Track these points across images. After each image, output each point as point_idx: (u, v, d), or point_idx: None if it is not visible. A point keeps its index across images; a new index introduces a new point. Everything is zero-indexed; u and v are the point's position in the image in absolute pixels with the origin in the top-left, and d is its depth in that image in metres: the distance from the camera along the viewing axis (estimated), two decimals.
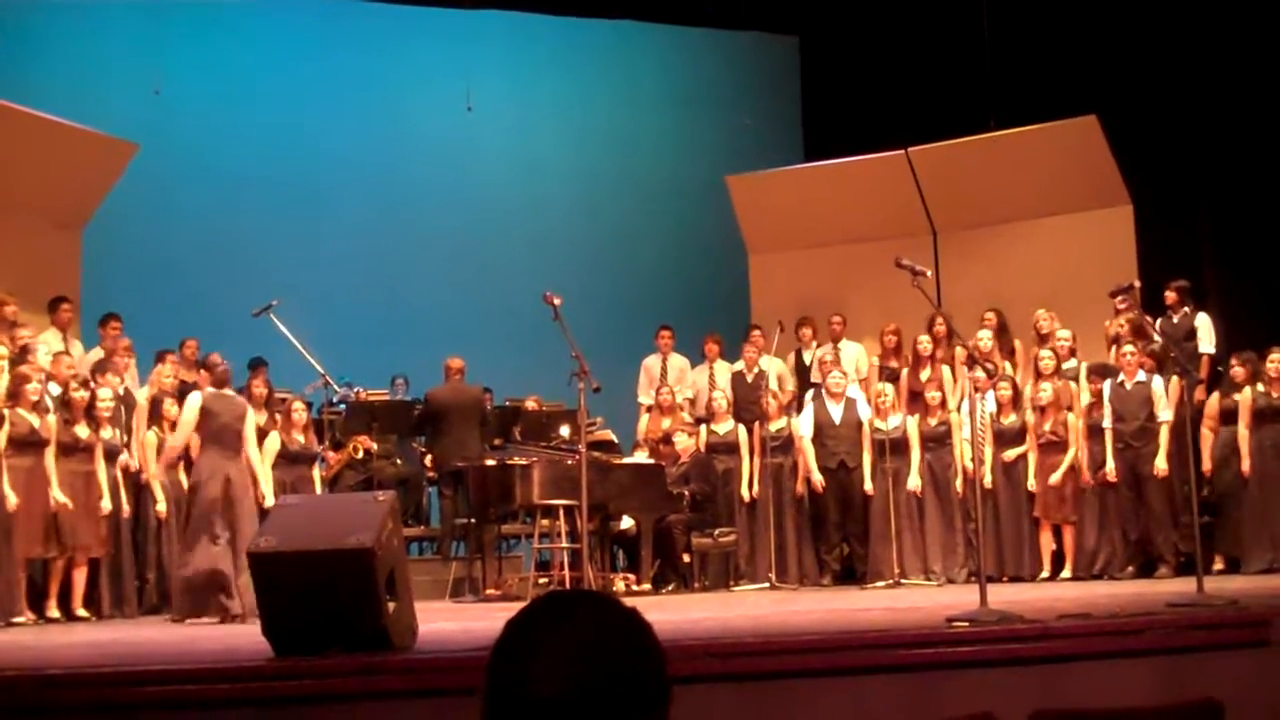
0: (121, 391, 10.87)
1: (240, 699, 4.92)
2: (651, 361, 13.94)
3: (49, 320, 11.77)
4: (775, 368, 13.18)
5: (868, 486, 11.78)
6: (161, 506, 10.61)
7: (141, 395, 11.26)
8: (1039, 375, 11.62)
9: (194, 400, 9.64)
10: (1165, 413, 10.99)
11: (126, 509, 10.57)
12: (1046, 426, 11.36)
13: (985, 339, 12.11)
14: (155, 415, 10.87)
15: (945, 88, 15.37)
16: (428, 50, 16.61)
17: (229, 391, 9.89)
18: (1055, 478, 11.21)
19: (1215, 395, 11.25)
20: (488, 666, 1.95)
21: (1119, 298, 11.86)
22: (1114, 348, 11.67)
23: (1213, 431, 11.14)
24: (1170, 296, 11.94)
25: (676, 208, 16.90)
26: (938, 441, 11.71)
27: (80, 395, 10.31)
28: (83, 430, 10.22)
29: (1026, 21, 14.87)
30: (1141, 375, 11.11)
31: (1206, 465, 10.99)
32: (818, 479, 11.82)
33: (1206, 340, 11.74)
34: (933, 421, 11.73)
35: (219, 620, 9.01)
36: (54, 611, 9.90)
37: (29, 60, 14.51)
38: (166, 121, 14.81)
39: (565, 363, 9.35)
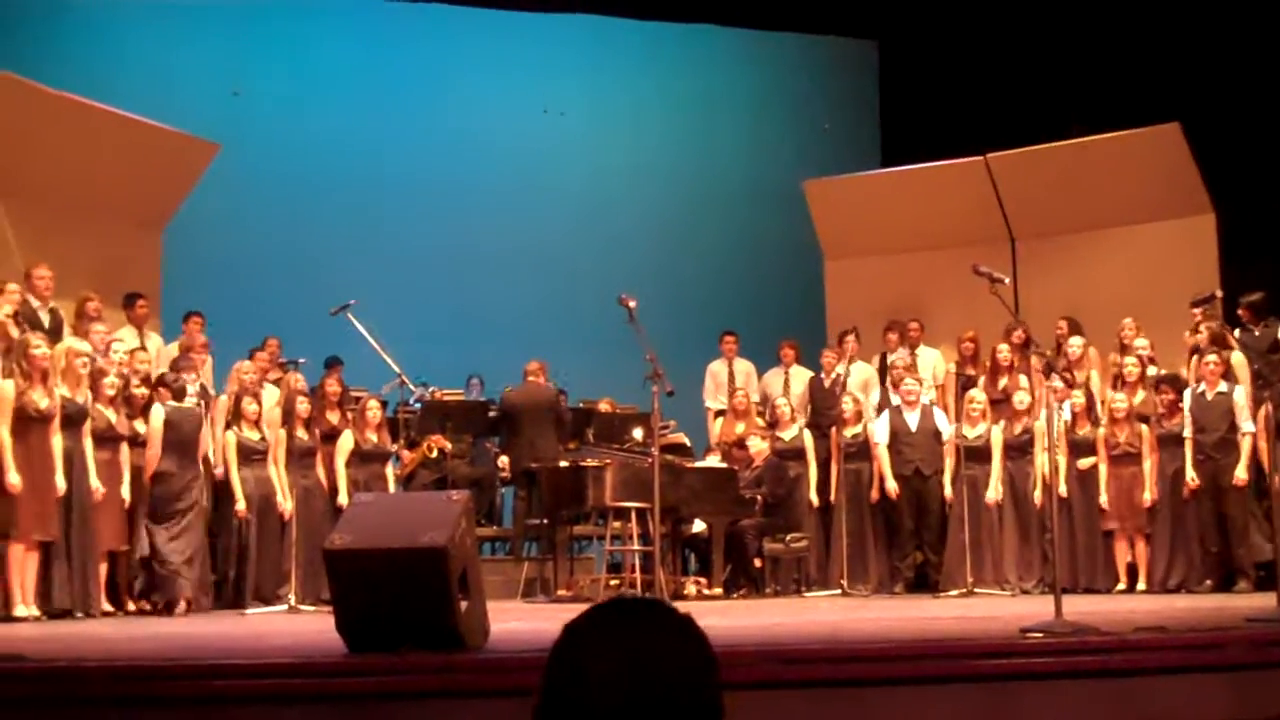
0: (197, 389, 10.97)
1: (313, 694, 4.95)
2: (717, 367, 13.94)
3: (125, 317, 11.92)
4: (863, 374, 13.10)
5: (948, 492, 11.69)
6: (241, 505, 10.70)
7: (222, 393, 11.38)
8: (1124, 384, 11.49)
9: (159, 413, 10.24)
10: (1248, 424, 10.81)
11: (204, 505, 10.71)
12: (1121, 437, 11.23)
13: (1076, 346, 11.99)
14: (236, 413, 10.96)
15: (1025, 93, 15.25)
16: (506, 53, 16.69)
17: (188, 403, 10.48)
18: (1147, 496, 11.08)
19: None
20: (545, 670, 1.95)
21: (1198, 308, 11.72)
22: (1195, 358, 11.50)
23: None
24: (1244, 313, 11.73)
25: (753, 212, 16.88)
26: (1019, 451, 11.59)
27: (141, 392, 10.44)
28: (141, 425, 10.35)
29: (1109, 27, 14.72)
30: (1223, 386, 10.94)
31: None
32: (892, 486, 11.76)
33: None
34: (1017, 429, 11.61)
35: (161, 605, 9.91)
36: (131, 604, 10.05)
37: (112, 61, 14.73)
38: (245, 122, 14.96)
39: (639, 365, 9.36)
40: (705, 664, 1.95)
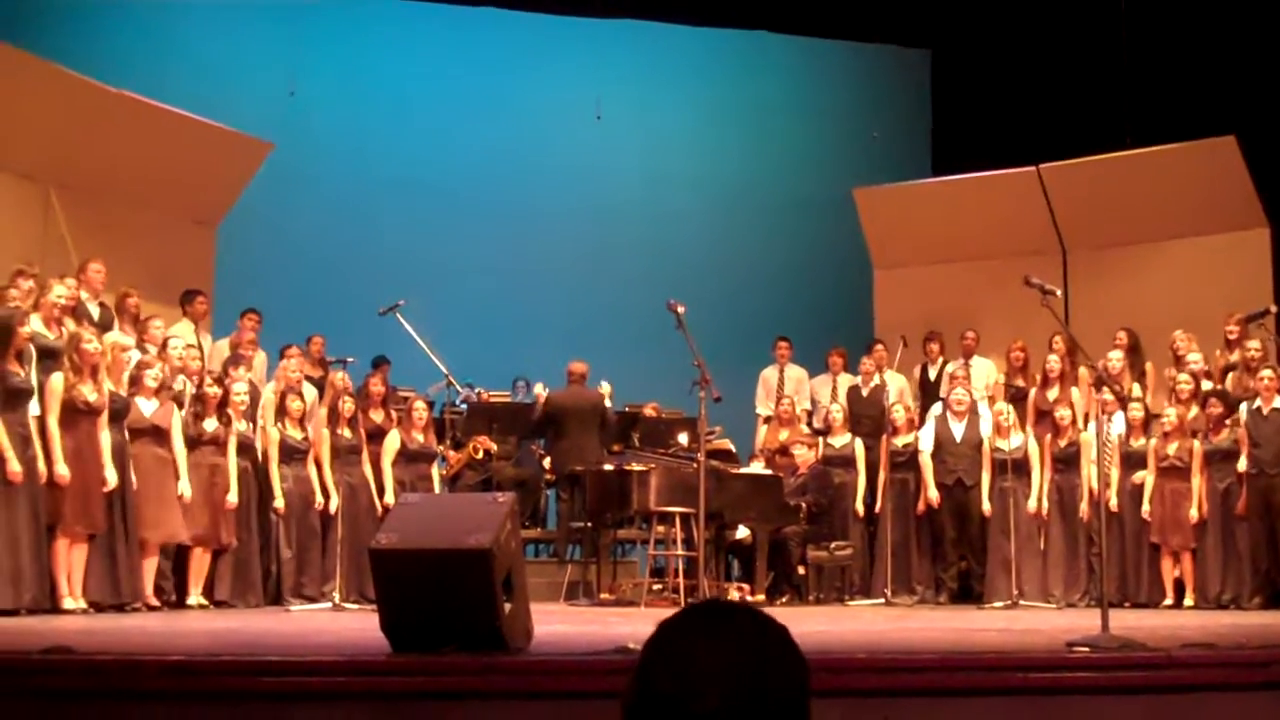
0: (247, 385, 11.03)
1: (357, 693, 4.97)
2: (769, 373, 13.95)
3: (182, 313, 12.01)
4: (898, 383, 13.08)
5: (985, 507, 11.63)
6: (280, 502, 10.77)
7: (267, 390, 11.45)
8: (1176, 399, 11.38)
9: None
10: None
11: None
12: (1170, 450, 11.13)
13: (1116, 360, 11.87)
14: (281, 410, 11.03)
15: (1080, 104, 15.17)
16: (558, 59, 16.74)
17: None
18: (1193, 513, 10.97)
19: None
20: (639, 671, 1.94)
21: (1252, 322, 11.62)
22: (1240, 373, 11.38)
23: None
24: None
25: (802, 219, 16.85)
26: (1066, 463, 11.51)
27: (214, 391, 10.54)
28: (210, 423, 10.43)
29: (1165, 39, 14.62)
30: (1278, 402, 10.81)
31: None
32: (934, 495, 11.73)
33: None
34: (1062, 442, 11.54)
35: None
36: (196, 599, 10.13)
37: (169, 59, 14.85)
38: (299, 122, 15.08)
39: (686, 370, 9.36)
40: (799, 672, 1.95)
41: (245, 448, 10.70)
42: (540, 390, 12.93)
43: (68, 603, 8.98)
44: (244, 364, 11.32)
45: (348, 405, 11.08)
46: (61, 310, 9.77)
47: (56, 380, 9.15)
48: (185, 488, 10.04)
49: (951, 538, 11.81)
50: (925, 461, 11.85)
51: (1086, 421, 11.69)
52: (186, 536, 10.09)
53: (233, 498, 10.43)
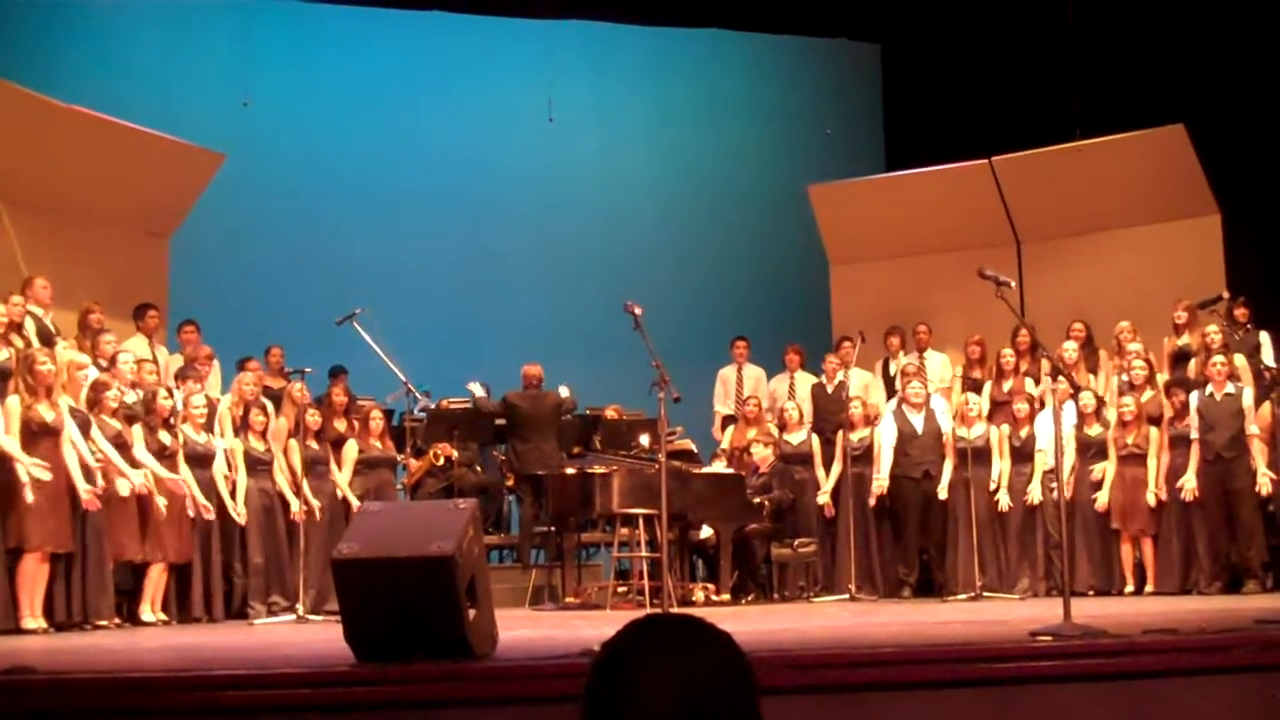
0: (203, 400, 10.93)
1: (322, 704, 4.94)
2: (727, 372, 13.95)
3: (135, 327, 11.93)
4: (862, 379, 13.11)
5: (942, 494, 11.65)
6: (241, 514, 10.69)
7: (224, 403, 11.35)
8: (1131, 387, 11.46)
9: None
10: (1253, 426, 10.77)
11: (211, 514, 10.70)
12: (1130, 439, 11.19)
13: (1071, 350, 11.96)
14: (244, 423, 10.96)
15: (1030, 96, 15.25)
16: (510, 62, 16.70)
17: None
18: (1150, 498, 11.04)
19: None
20: (586, 691, 1.94)
21: (1204, 309, 11.71)
22: (1202, 359, 11.47)
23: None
24: (1243, 313, 11.75)
25: (758, 217, 16.88)
26: (1024, 453, 11.56)
27: (166, 403, 10.45)
28: (165, 437, 10.34)
29: (1113, 29, 14.72)
30: (1230, 387, 10.91)
31: None
32: (880, 483, 11.74)
33: (1269, 355, 11.53)
34: (1021, 433, 11.60)
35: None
36: (149, 615, 10.00)
37: (120, 73, 14.75)
38: (253, 133, 14.99)
39: (645, 372, 9.36)
40: (746, 682, 1.95)
41: (204, 460, 10.61)
42: (475, 389, 12.88)
43: (28, 622, 8.89)
44: (195, 377, 11.18)
45: (314, 418, 11.04)
46: (4, 329, 9.68)
47: (12, 402, 9.07)
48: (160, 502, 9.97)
49: (916, 531, 11.84)
50: (885, 455, 11.83)
51: (1042, 411, 11.75)
52: (140, 554, 10.00)
53: (202, 510, 10.33)
